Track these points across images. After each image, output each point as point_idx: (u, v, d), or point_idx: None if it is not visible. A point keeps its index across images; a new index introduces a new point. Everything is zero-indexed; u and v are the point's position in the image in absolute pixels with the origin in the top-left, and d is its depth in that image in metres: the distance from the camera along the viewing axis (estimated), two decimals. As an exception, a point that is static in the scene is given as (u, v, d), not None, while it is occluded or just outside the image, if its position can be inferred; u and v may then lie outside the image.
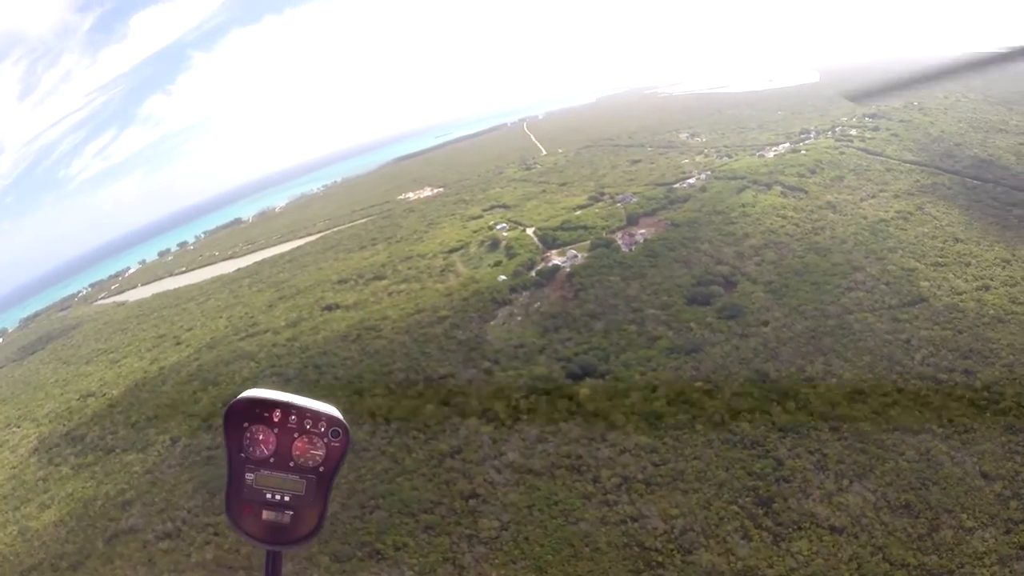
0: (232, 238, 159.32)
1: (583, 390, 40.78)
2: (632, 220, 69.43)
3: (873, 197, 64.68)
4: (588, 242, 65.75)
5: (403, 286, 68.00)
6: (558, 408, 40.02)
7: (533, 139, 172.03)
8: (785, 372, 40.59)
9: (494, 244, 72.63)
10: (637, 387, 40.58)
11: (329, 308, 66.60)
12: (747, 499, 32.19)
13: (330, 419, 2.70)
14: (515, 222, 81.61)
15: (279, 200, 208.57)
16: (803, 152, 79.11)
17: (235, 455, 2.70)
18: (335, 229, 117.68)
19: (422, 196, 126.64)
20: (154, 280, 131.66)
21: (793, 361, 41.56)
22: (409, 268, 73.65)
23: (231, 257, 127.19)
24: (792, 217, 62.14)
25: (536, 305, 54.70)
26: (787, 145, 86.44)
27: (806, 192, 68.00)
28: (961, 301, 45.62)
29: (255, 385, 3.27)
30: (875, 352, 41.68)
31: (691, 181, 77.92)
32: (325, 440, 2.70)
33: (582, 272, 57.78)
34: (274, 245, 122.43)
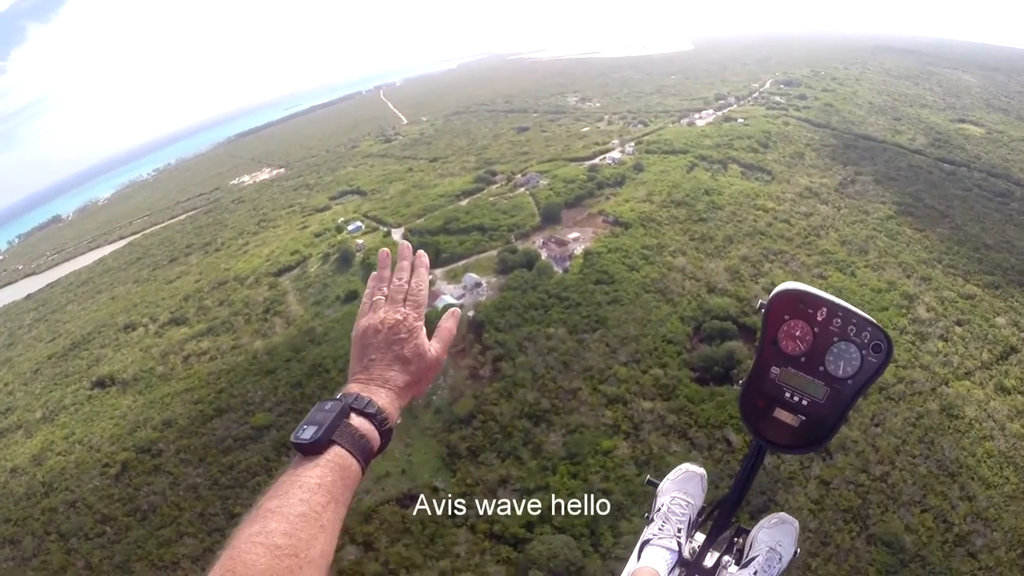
0: (45, 243, 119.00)
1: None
2: (551, 216, 46.90)
3: (852, 183, 49.95)
4: (494, 254, 41.99)
5: (206, 343, 39.72)
6: None
7: (391, 107, 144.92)
8: (924, 529, 21.71)
9: (345, 259, 45.39)
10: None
11: (101, 384, 39.40)
12: None
13: (875, 331, 2.17)
14: (375, 219, 54.86)
15: (106, 190, 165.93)
16: (740, 121, 62.82)
17: (767, 345, 2.28)
18: (152, 229, 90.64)
19: (259, 179, 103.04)
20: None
21: (919, 501, 22.90)
22: (220, 303, 44.82)
23: (32, 273, 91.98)
24: (775, 210, 44.61)
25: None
26: (712, 112, 69.91)
27: (771, 174, 51.26)
28: (1055, 344, 31.41)
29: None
30: (1013, 460, 25.03)
31: (615, 155, 57.42)
32: (863, 352, 2.18)
33: (496, 317, 33.94)
34: (82, 254, 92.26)
